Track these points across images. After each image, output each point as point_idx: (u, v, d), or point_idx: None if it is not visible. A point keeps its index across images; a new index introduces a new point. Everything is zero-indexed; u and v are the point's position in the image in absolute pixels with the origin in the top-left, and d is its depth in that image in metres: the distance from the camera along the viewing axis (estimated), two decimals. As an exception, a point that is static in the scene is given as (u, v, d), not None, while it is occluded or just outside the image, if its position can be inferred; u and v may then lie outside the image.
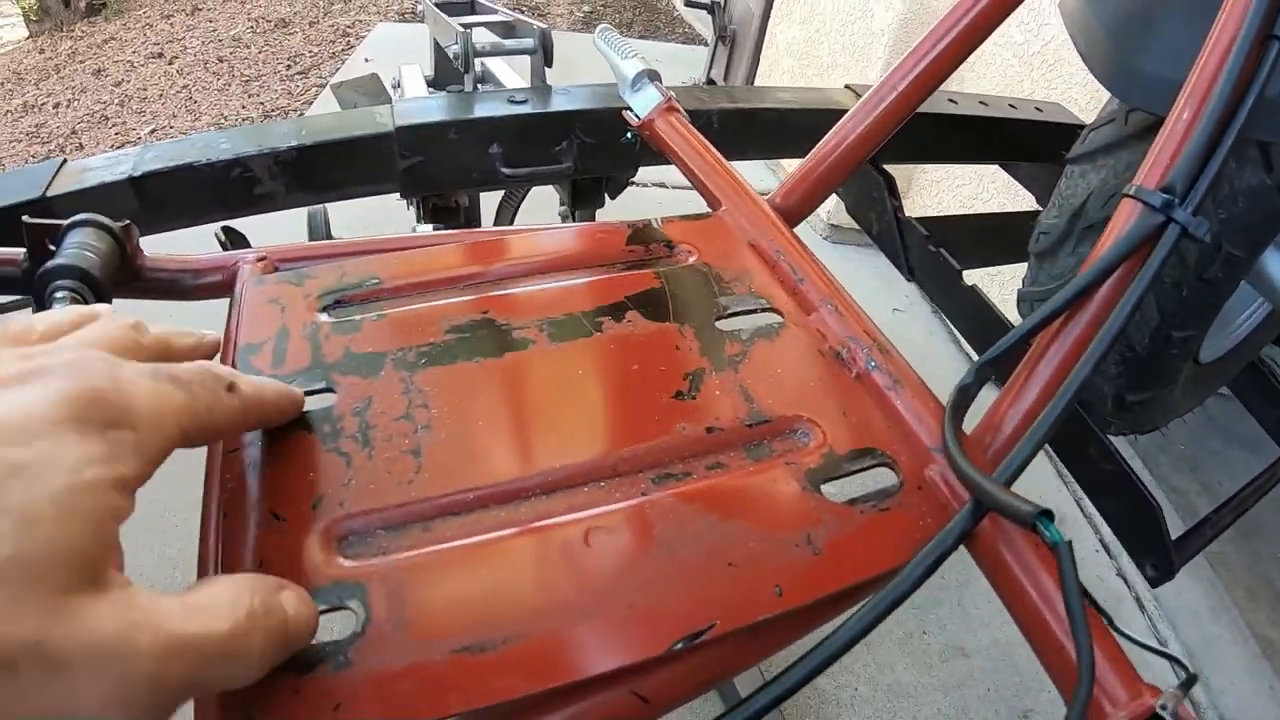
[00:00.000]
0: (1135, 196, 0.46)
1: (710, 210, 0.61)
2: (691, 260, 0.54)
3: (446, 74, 1.36)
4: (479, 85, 1.16)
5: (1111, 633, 0.36)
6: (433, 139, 0.84)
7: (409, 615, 0.32)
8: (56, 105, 4.11)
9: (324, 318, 0.47)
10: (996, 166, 1.27)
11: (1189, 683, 0.32)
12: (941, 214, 2.24)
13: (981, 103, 1.08)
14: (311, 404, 0.42)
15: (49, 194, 0.71)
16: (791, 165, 0.66)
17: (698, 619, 0.34)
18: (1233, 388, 1.07)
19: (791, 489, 0.40)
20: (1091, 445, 0.76)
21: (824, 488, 0.40)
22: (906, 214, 0.96)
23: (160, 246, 0.53)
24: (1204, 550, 0.85)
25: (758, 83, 3.32)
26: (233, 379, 0.31)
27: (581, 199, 1.07)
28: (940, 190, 2.47)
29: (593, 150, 0.91)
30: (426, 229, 0.99)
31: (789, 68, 3.09)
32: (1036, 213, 0.92)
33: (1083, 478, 0.79)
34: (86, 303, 0.44)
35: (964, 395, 0.44)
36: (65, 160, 0.75)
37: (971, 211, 2.27)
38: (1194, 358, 0.88)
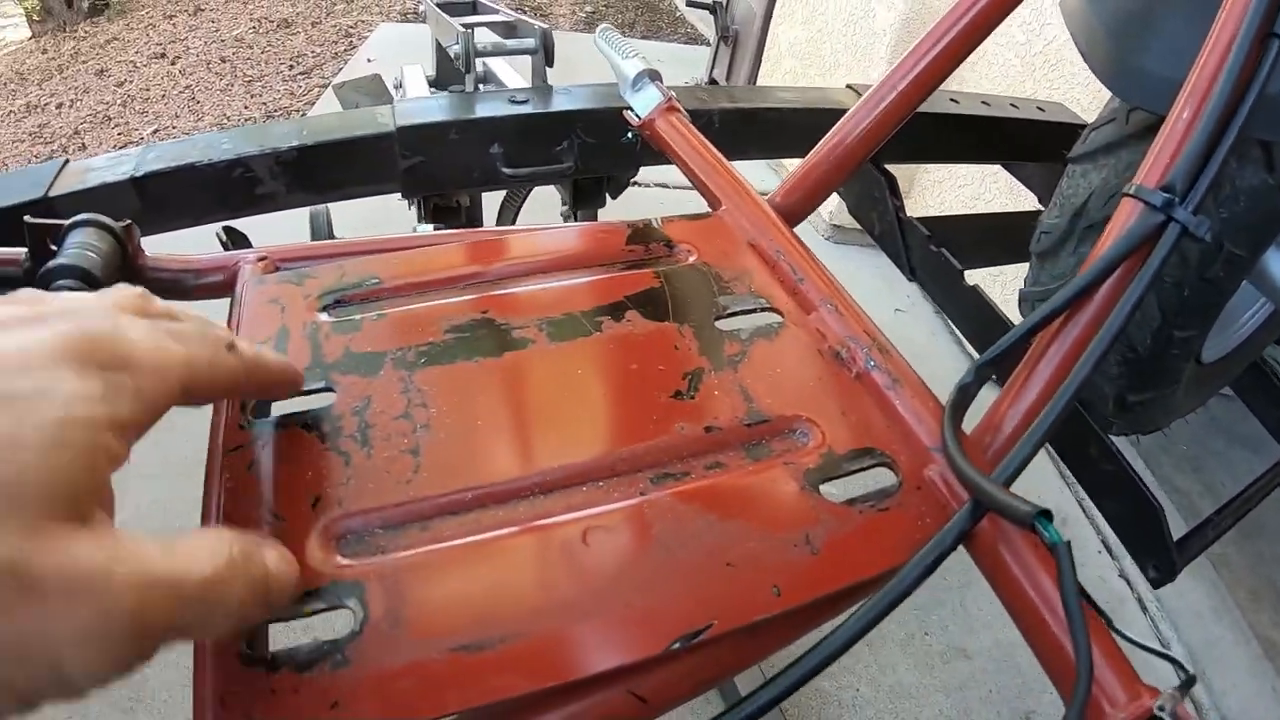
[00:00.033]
0: (1135, 196, 0.46)
1: (710, 210, 0.61)
2: (691, 260, 0.54)
3: (448, 74, 1.36)
4: (480, 85, 1.16)
5: (1111, 633, 0.36)
6: (434, 139, 0.85)
7: (407, 614, 0.32)
8: (59, 105, 4.12)
9: (324, 317, 0.47)
10: (999, 166, 1.26)
11: (1187, 684, 0.32)
12: (944, 214, 2.24)
13: (983, 102, 1.08)
14: (311, 403, 0.42)
15: (51, 194, 0.71)
16: (793, 165, 0.66)
17: (696, 619, 0.34)
18: (1235, 388, 1.07)
19: (790, 489, 0.40)
20: (1093, 445, 0.76)
21: (823, 487, 0.40)
22: (908, 214, 0.96)
23: (162, 247, 0.53)
24: (1206, 551, 0.85)
25: (760, 83, 3.32)
26: (233, 339, 0.31)
27: (583, 199, 1.07)
28: (943, 190, 2.47)
29: (594, 150, 0.91)
30: (427, 229, 0.99)
31: (791, 68, 3.09)
32: (1038, 213, 0.91)
33: (1084, 478, 0.78)
34: (87, 302, 0.44)
35: (963, 395, 0.43)
36: (67, 160, 0.75)
37: (974, 211, 2.27)
38: (1196, 358, 0.87)
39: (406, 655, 0.31)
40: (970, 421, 0.45)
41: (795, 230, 0.59)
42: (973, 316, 0.90)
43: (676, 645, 0.33)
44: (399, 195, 0.91)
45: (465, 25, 1.01)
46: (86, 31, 5.37)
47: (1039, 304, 0.65)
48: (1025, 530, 0.35)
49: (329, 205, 0.90)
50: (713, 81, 3.68)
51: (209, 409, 0.41)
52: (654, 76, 0.67)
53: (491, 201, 1.36)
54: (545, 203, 1.29)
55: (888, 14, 2.37)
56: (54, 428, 0.21)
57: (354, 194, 0.86)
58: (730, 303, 0.51)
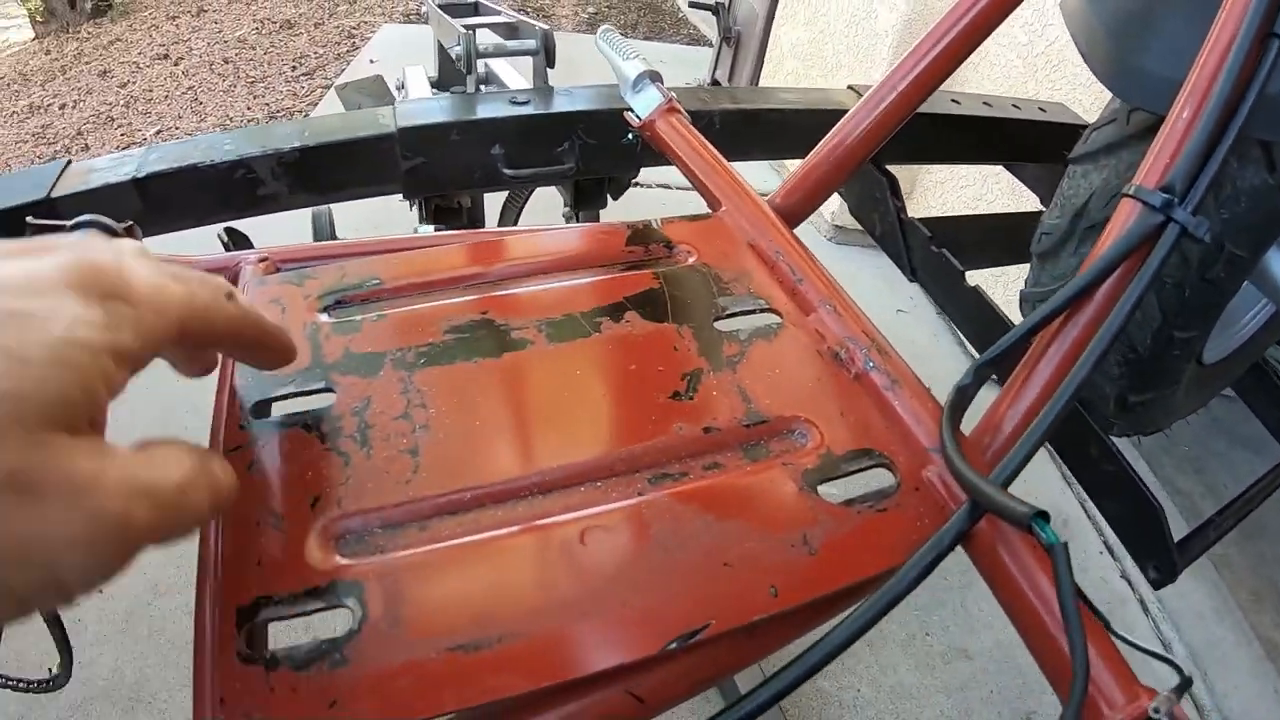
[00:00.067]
0: (1135, 196, 0.46)
1: (710, 211, 0.61)
2: (691, 261, 0.55)
3: (450, 75, 1.36)
4: (482, 86, 1.16)
5: (1109, 635, 0.36)
6: (435, 140, 0.85)
7: (405, 613, 0.33)
8: (62, 106, 4.13)
9: (324, 318, 0.47)
10: (1001, 167, 1.26)
11: (1184, 685, 0.32)
12: (946, 214, 2.24)
13: (985, 103, 1.08)
14: (311, 404, 0.42)
15: (54, 195, 0.71)
16: (795, 166, 0.66)
17: (693, 619, 0.34)
18: (1237, 389, 1.07)
19: (788, 489, 0.40)
20: (1093, 446, 0.76)
21: (821, 488, 0.40)
22: (910, 214, 0.96)
23: (164, 247, 0.53)
24: (1208, 552, 0.85)
25: (762, 84, 3.32)
26: (232, 290, 0.32)
27: (584, 200, 1.07)
28: (945, 191, 2.47)
29: (595, 151, 0.91)
30: (428, 230, 0.99)
31: (793, 69, 3.09)
32: (1039, 213, 0.91)
33: (1085, 479, 0.78)
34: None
35: (962, 396, 0.43)
36: (70, 161, 0.75)
37: (977, 212, 2.27)
38: (1197, 359, 0.87)
39: (405, 654, 0.31)
40: (971, 422, 0.45)
41: (796, 231, 0.59)
42: (974, 317, 0.90)
43: (674, 645, 0.33)
44: (400, 196, 0.91)
45: (467, 26, 1.01)
46: (90, 32, 5.38)
47: (1039, 305, 0.65)
48: (1023, 531, 0.35)
49: (331, 206, 0.91)
50: (715, 83, 3.68)
51: (210, 410, 0.42)
52: (654, 78, 0.67)
53: (494, 203, 1.36)
54: (548, 204, 1.29)
55: (890, 15, 2.37)
56: (58, 347, 0.23)
57: (355, 195, 0.86)
58: (729, 303, 0.51)
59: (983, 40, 0.64)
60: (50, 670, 0.65)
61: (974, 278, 0.89)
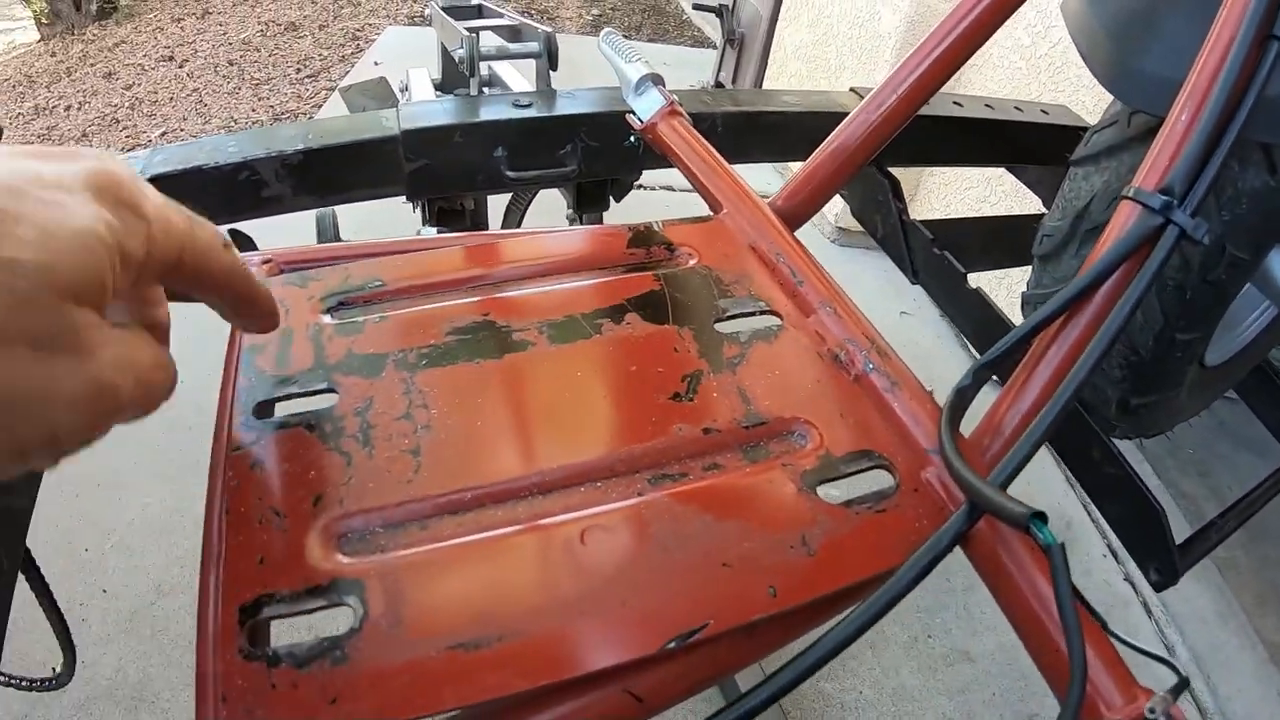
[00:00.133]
0: (1134, 198, 0.46)
1: (712, 213, 0.61)
2: (692, 263, 0.55)
3: (453, 78, 1.36)
4: (485, 89, 1.16)
5: (1107, 636, 0.36)
6: (438, 142, 0.85)
7: (406, 612, 0.33)
8: (68, 108, 4.14)
9: (327, 319, 0.48)
10: (1004, 169, 1.26)
11: (1181, 686, 0.32)
12: (949, 216, 2.24)
13: (987, 105, 1.08)
14: (314, 404, 0.42)
15: (58, 196, 0.71)
16: (798, 168, 0.67)
17: (692, 619, 0.34)
18: (1239, 391, 1.07)
19: (788, 490, 0.40)
20: (1095, 448, 0.76)
21: (821, 489, 0.40)
22: (913, 216, 0.96)
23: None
24: (1212, 556, 0.85)
25: (766, 86, 3.32)
26: (229, 241, 0.34)
27: (586, 202, 1.07)
28: (948, 193, 2.47)
29: (597, 153, 0.91)
30: (431, 232, 0.99)
31: (797, 70, 3.09)
32: (1041, 215, 0.91)
33: (1086, 481, 0.78)
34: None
35: (961, 398, 0.44)
36: (75, 163, 0.76)
37: (980, 214, 2.27)
38: (1199, 361, 0.87)
39: (405, 652, 0.32)
40: (972, 424, 0.45)
41: (799, 233, 0.59)
42: (976, 319, 0.90)
43: (672, 645, 0.33)
44: (404, 198, 0.92)
45: (470, 29, 1.02)
46: (94, 34, 5.40)
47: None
48: (1020, 532, 0.35)
49: (335, 208, 0.91)
50: (719, 85, 3.68)
51: (214, 409, 0.42)
52: (656, 80, 0.67)
53: (497, 205, 1.36)
54: (551, 206, 1.29)
55: (893, 17, 2.37)
56: (81, 233, 0.25)
57: (359, 197, 0.87)
58: (730, 305, 0.51)
59: (984, 42, 0.64)
60: (54, 669, 0.65)
61: (976, 280, 0.89)
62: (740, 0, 3.49)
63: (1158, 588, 0.76)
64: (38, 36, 5.76)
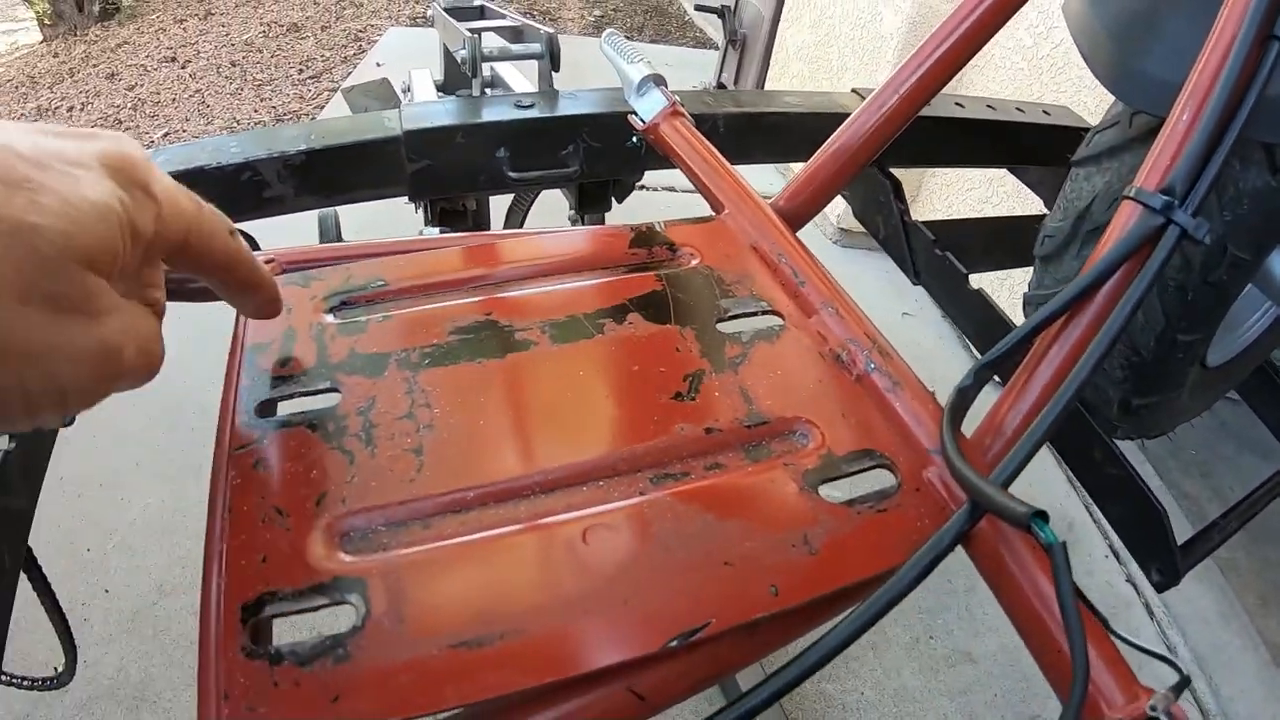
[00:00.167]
0: (1135, 198, 0.46)
1: (714, 214, 0.61)
2: (694, 263, 0.55)
3: (455, 78, 1.37)
4: (487, 90, 1.16)
5: (1109, 635, 0.36)
6: (440, 143, 0.85)
7: (408, 610, 0.33)
8: (70, 109, 4.15)
9: (330, 319, 0.48)
10: (1006, 170, 1.26)
11: (1182, 684, 0.32)
12: (951, 217, 2.24)
13: (989, 106, 1.08)
14: (316, 403, 0.42)
15: (61, 197, 0.71)
16: (800, 169, 0.67)
17: (694, 617, 0.34)
18: (1241, 392, 1.07)
19: (789, 490, 0.40)
20: (1097, 449, 0.76)
21: (823, 489, 0.40)
22: (916, 217, 0.96)
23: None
24: (1214, 557, 0.85)
25: (768, 87, 3.32)
26: (234, 229, 0.36)
27: (588, 203, 1.07)
28: (951, 194, 2.47)
29: (599, 154, 0.92)
30: (433, 232, 0.99)
31: (799, 71, 3.09)
32: (1043, 216, 0.91)
33: (1088, 482, 0.78)
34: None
35: (963, 397, 0.44)
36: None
37: (982, 215, 2.27)
38: (1201, 362, 0.87)
39: (407, 651, 0.32)
40: (974, 424, 0.45)
41: (800, 234, 0.59)
42: (977, 320, 0.90)
43: (674, 643, 0.33)
44: (406, 199, 0.92)
45: (472, 30, 1.02)
46: (97, 35, 5.41)
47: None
48: (1022, 531, 0.35)
49: (337, 208, 0.91)
50: (721, 85, 3.68)
51: (216, 409, 0.42)
52: (658, 81, 0.67)
53: (499, 206, 1.36)
54: (553, 206, 1.29)
55: (894, 18, 2.37)
56: (98, 207, 0.27)
57: (361, 197, 0.87)
58: (732, 305, 0.51)
59: (986, 43, 0.65)
60: (55, 669, 0.65)
61: (978, 281, 0.89)
62: (742, 1, 3.49)
63: (1159, 588, 0.76)
64: (40, 38, 5.77)
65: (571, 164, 0.91)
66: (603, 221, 1.10)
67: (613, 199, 1.08)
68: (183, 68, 4.42)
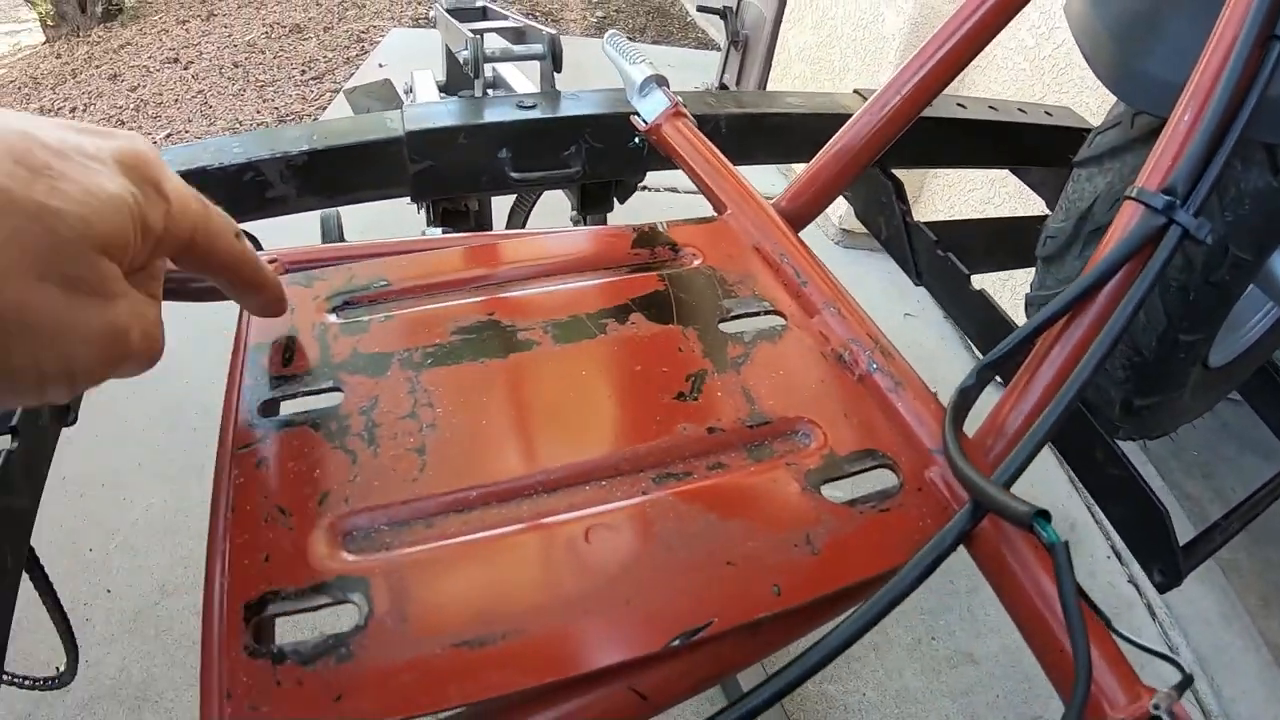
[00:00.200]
0: (1137, 198, 0.46)
1: (716, 214, 0.61)
2: (696, 263, 0.55)
3: (458, 79, 1.37)
4: (489, 90, 1.17)
5: (1111, 635, 0.36)
6: (442, 143, 0.85)
7: (410, 609, 0.33)
8: (73, 110, 4.16)
9: (332, 319, 0.48)
10: (1008, 171, 1.26)
11: (1184, 683, 0.32)
12: (954, 218, 2.24)
13: (991, 107, 1.08)
14: (319, 403, 0.42)
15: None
16: (802, 170, 0.67)
17: (696, 617, 0.34)
18: (1243, 392, 1.06)
19: (792, 489, 0.40)
20: (1099, 450, 0.76)
21: (825, 488, 0.41)
22: (916, 218, 0.96)
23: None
24: (1216, 558, 0.85)
25: (770, 88, 3.32)
26: (241, 231, 0.37)
27: (590, 203, 1.07)
28: (952, 195, 2.47)
29: (601, 155, 0.92)
30: (436, 233, 0.99)
31: (801, 72, 3.09)
32: (1045, 217, 0.91)
33: (1090, 483, 0.78)
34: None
35: (965, 397, 0.44)
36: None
37: (984, 216, 2.27)
38: (1203, 362, 0.87)
39: (410, 650, 0.32)
40: (976, 424, 0.45)
41: (803, 234, 0.59)
42: (979, 321, 0.90)
43: (676, 643, 0.33)
44: (408, 199, 0.92)
45: (475, 31, 1.02)
46: (100, 36, 5.42)
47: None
48: (1024, 530, 0.35)
49: (339, 209, 0.91)
50: (723, 86, 3.68)
51: (219, 409, 0.42)
52: (661, 82, 0.67)
53: (501, 206, 1.37)
54: (555, 207, 1.30)
55: (896, 18, 2.37)
56: (114, 199, 0.28)
57: (363, 198, 0.87)
58: (734, 305, 0.51)
59: (988, 43, 0.65)
60: (57, 669, 0.65)
61: (980, 281, 0.89)
62: (744, 2, 3.49)
63: (1161, 589, 0.76)
64: (43, 39, 5.78)
65: (574, 165, 0.92)
66: (605, 222, 1.10)
67: (615, 200, 1.08)
68: (185, 69, 4.43)
